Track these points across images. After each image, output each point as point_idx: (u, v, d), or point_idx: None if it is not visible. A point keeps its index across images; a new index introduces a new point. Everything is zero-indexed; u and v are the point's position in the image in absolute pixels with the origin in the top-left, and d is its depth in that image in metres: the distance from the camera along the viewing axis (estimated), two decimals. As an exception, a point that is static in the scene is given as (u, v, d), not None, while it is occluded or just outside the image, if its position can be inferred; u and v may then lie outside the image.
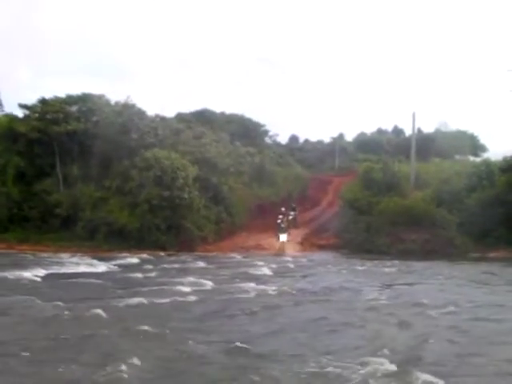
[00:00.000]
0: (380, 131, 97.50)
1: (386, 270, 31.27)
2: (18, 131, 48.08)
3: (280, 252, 42.11)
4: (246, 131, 74.34)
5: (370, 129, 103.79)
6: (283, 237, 44.45)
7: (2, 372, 10.53)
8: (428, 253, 39.71)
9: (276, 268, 31.23)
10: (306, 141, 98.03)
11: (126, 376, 10.16)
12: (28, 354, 11.89)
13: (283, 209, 52.03)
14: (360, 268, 32.04)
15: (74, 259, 33.85)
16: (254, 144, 66.59)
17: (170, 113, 75.83)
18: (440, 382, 10.34)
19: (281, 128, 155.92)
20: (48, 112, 48.76)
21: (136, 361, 10.87)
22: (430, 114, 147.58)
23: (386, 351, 12.17)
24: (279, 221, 45.37)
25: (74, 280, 24.83)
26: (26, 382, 10.07)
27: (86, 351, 12.10)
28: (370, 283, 24.84)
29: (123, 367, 10.57)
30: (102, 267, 30.29)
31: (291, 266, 33.21)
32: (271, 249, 43.56)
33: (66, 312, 16.51)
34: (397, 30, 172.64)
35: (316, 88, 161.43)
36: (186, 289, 21.76)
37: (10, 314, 16.34)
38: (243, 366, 11.39)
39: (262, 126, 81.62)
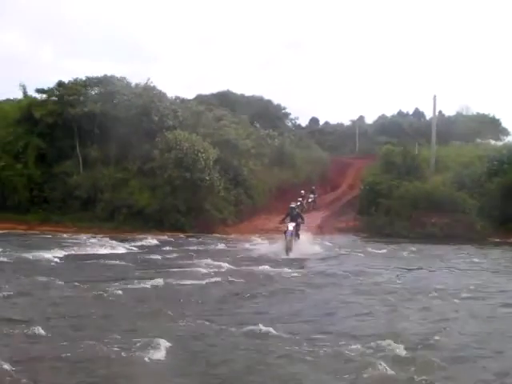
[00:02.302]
0: (401, 114, 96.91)
1: (406, 253, 31.10)
2: (35, 115, 48.44)
3: (288, 246, 29.32)
4: (266, 114, 74.35)
5: (390, 111, 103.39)
6: (291, 225, 29.81)
7: (22, 352, 10.64)
8: (448, 237, 39.41)
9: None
10: (326, 123, 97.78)
11: (147, 356, 10.28)
12: (49, 334, 12.00)
13: (303, 191, 52.20)
14: (379, 251, 31.88)
15: (94, 240, 33.98)
16: (274, 126, 66.47)
17: (190, 95, 76.02)
18: (452, 367, 10.37)
19: (301, 110, 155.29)
20: (65, 95, 48.95)
21: (156, 341, 10.98)
22: (451, 96, 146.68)
23: (401, 335, 12.18)
24: (293, 205, 32.25)
25: (93, 261, 24.97)
26: (48, 362, 10.16)
27: (106, 331, 12.21)
28: (389, 267, 24.74)
29: (144, 347, 10.69)
30: (121, 248, 30.39)
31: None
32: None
33: (86, 293, 16.64)
34: (419, 12, 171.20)
35: (337, 70, 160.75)
36: (205, 270, 21.85)
37: (31, 295, 16.46)
38: (262, 348, 11.45)
39: (283, 108, 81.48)
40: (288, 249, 28.99)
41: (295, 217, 30.43)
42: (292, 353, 11.01)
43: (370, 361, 10.43)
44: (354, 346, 11.25)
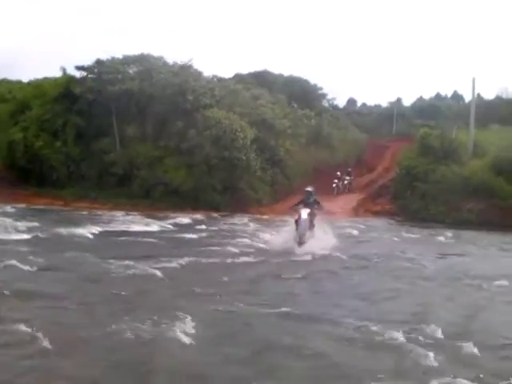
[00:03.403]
0: (439, 96, 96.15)
1: (441, 238, 30.84)
2: (74, 92, 48.79)
3: (300, 238, 23.61)
4: (303, 94, 73.90)
5: (428, 94, 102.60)
6: (305, 212, 23.94)
7: (54, 326, 10.71)
8: (484, 223, 38.95)
9: (328, 233, 31.12)
10: (364, 105, 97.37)
11: (178, 333, 10.33)
12: (81, 308, 12.11)
13: (339, 173, 52.20)
14: (414, 236, 31.74)
15: (129, 217, 34.18)
16: (311, 107, 66.14)
17: (228, 74, 76.02)
18: (485, 354, 10.27)
19: (339, 91, 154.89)
20: (104, 72, 49.17)
21: (187, 319, 11.02)
22: (490, 79, 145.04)
23: (434, 321, 12.07)
24: (310, 188, 25.33)
25: (127, 238, 25.15)
26: (79, 335, 10.24)
27: (137, 308, 12.28)
28: (424, 252, 24.51)
29: (175, 325, 10.73)
30: (155, 226, 30.47)
31: (345, 230, 32.96)
32: (326, 213, 43.55)
33: (119, 269, 16.71)
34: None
35: (375, 51, 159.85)
36: (237, 250, 21.85)
37: (64, 270, 16.60)
38: (289, 328, 11.43)
39: (320, 88, 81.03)
40: (300, 241, 23.46)
41: (311, 203, 24.52)
42: (326, 336, 10.98)
43: (404, 346, 10.38)
44: (387, 331, 11.18)
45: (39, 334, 9.80)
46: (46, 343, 9.56)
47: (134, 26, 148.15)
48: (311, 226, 24.16)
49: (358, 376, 9.06)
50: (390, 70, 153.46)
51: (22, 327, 10.09)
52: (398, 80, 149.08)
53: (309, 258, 21.18)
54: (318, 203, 25.08)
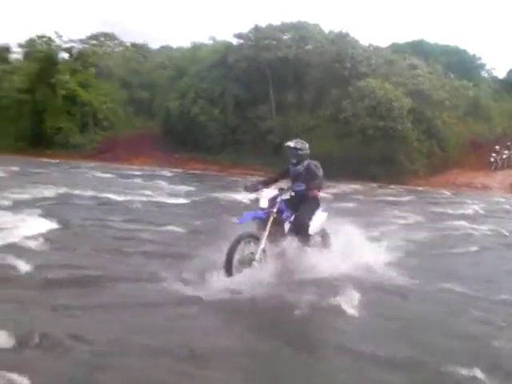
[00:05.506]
0: None
1: None
2: (230, 60, 49.62)
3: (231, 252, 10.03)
4: (461, 63, 72.08)
5: None
6: (265, 197, 10.79)
7: (216, 289, 10.76)
8: None
9: (487, 207, 30.24)
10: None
11: (340, 304, 10.06)
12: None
13: (497, 147, 50.69)
14: None
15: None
16: (468, 77, 64.55)
17: (384, 43, 75.20)
18: None
19: (499, 61, 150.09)
20: (260, 38, 49.63)
21: (348, 294, 10.73)
22: None
23: None
24: (292, 143, 11.26)
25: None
26: (237, 301, 10.19)
27: (308, 275, 12.08)
28: None
29: (337, 294, 10.44)
30: (310, 194, 30.63)
31: (503, 206, 32.14)
32: (483, 188, 42.40)
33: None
34: None
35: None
36: (396, 221, 21.62)
37: (218, 235, 16.63)
38: (443, 300, 11.04)
39: (478, 58, 78.80)
40: (231, 257, 10.16)
41: (299, 175, 11.77)
42: (480, 314, 10.53)
43: None
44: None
45: (193, 293, 9.88)
46: (200, 304, 9.61)
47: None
48: (284, 229, 11.21)
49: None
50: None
51: (177, 287, 10.20)
52: None
53: (474, 232, 20.42)
54: (315, 176, 11.74)
